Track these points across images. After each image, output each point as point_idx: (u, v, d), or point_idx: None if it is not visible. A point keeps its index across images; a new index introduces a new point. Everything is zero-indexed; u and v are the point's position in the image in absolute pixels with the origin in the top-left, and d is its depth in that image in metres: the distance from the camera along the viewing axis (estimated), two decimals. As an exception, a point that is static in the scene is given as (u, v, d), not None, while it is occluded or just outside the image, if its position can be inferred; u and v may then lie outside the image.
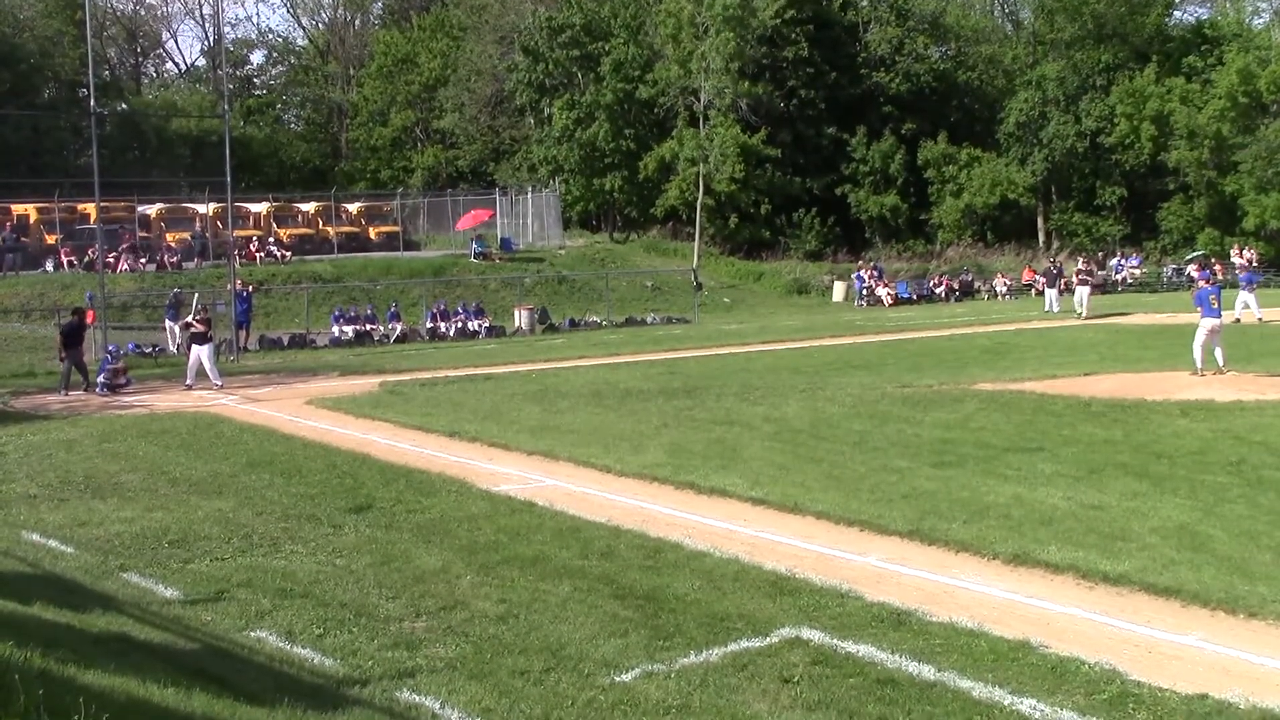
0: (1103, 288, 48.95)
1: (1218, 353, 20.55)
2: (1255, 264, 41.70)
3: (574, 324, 40.22)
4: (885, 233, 59.08)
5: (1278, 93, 51.05)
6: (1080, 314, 35.83)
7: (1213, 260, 45.74)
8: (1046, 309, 39.30)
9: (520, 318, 39.04)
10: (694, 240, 54.75)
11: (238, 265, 36.09)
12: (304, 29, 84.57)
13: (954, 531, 10.42)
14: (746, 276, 53.90)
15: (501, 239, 50.84)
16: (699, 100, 54.21)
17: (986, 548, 9.95)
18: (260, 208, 49.22)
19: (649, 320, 42.04)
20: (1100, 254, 53.85)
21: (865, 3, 61.54)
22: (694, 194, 54.43)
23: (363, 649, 7.91)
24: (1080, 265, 40.85)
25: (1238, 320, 30.14)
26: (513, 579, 9.48)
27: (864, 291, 48.89)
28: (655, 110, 57.32)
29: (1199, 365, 20.35)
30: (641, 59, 57.30)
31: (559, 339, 35.96)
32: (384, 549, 10.55)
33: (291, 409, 20.63)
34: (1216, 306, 20.71)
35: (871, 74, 59.60)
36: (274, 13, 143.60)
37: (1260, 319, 30.95)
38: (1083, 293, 36.66)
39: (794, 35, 56.64)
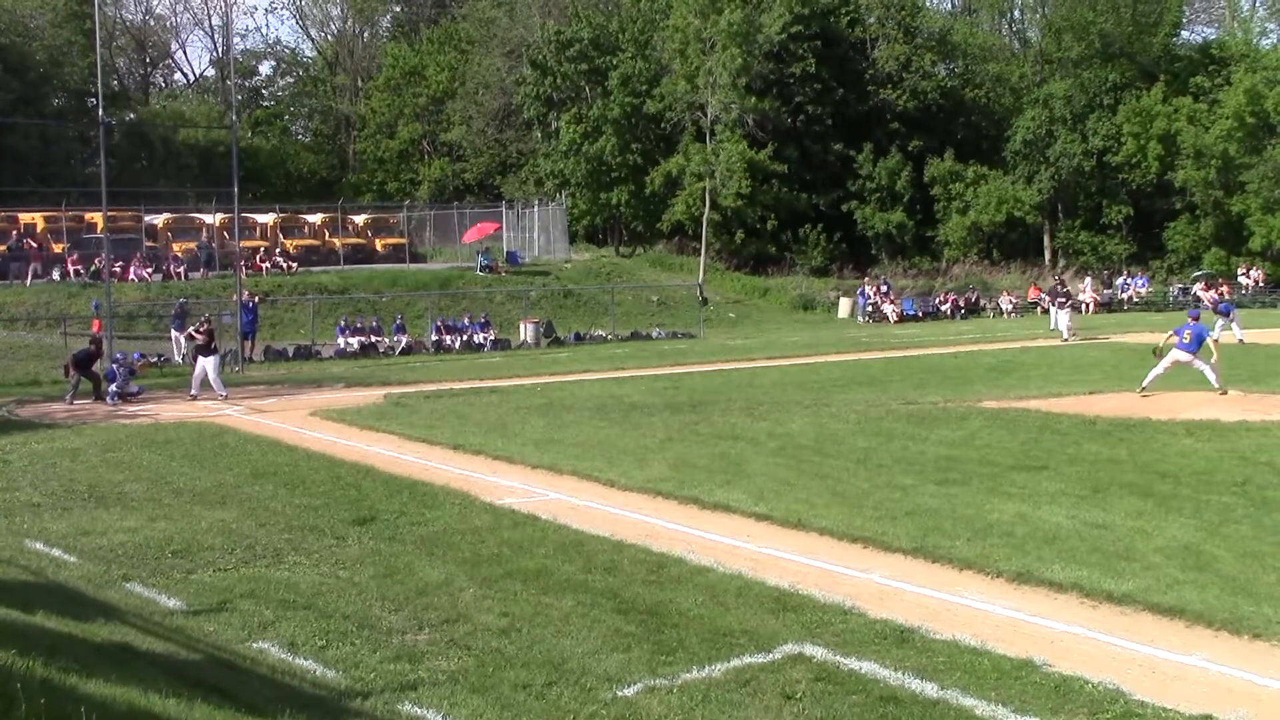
0: (1109, 306, 49.05)
1: (1212, 377, 20.18)
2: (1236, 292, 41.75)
3: (579, 338, 40.23)
4: (891, 249, 59.11)
5: (1285, 113, 51.13)
6: (1065, 337, 35.68)
7: (1219, 280, 45.81)
8: (1052, 327, 39.28)
9: (525, 331, 39.04)
10: (700, 255, 54.79)
11: (244, 276, 36.14)
12: (313, 41, 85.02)
13: (957, 549, 10.40)
14: (752, 292, 53.91)
15: (508, 252, 50.93)
16: (706, 115, 54.29)
17: (990, 566, 9.93)
18: (267, 218, 49.32)
19: (654, 334, 42.04)
20: (1106, 272, 53.88)
21: (873, 20, 61.62)
22: (700, 209, 54.45)
23: (365, 661, 7.91)
24: (1059, 288, 40.90)
25: (1240, 341, 30.23)
26: (515, 592, 9.47)
27: (868, 308, 48.89)
28: (662, 125, 57.42)
29: (1215, 383, 20.11)
30: (649, 73, 57.44)
31: (564, 352, 35.97)
32: (387, 561, 10.55)
33: (296, 420, 20.65)
34: (1189, 341, 20.28)
35: (879, 91, 59.67)
36: (283, 24, 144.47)
37: (1217, 340, 30.97)
38: (1069, 314, 36.56)
39: (801, 51, 56.78)
